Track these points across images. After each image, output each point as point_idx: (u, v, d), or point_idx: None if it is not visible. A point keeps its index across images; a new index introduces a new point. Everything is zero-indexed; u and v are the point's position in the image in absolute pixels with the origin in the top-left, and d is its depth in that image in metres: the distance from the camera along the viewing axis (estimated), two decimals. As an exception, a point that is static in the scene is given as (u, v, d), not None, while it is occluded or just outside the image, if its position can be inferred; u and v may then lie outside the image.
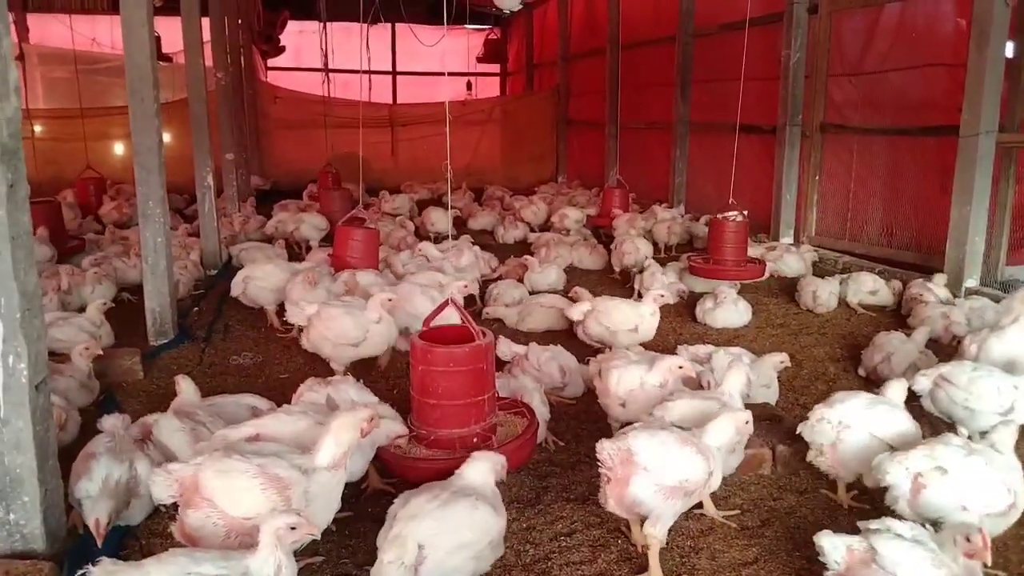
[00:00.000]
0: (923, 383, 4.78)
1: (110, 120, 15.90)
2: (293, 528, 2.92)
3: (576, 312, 6.51)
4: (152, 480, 3.35)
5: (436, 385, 4.02)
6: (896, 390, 4.41)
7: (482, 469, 3.47)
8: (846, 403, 4.19)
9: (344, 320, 5.63)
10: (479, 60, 23.06)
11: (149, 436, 4.15)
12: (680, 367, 4.68)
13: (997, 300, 7.11)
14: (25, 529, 3.39)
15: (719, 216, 8.66)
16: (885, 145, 9.59)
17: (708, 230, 8.87)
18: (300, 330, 6.03)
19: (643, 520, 3.55)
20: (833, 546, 3.10)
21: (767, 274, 8.68)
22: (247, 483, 3.21)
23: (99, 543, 3.50)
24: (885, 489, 3.71)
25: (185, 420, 4.21)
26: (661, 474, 3.48)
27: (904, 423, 4.16)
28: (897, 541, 3.06)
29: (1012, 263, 8.18)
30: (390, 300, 5.83)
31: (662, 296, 6.42)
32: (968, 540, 3.02)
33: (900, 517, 3.42)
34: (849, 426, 4.10)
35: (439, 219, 11.77)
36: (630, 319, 6.28)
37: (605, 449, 3.55)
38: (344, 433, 3.44)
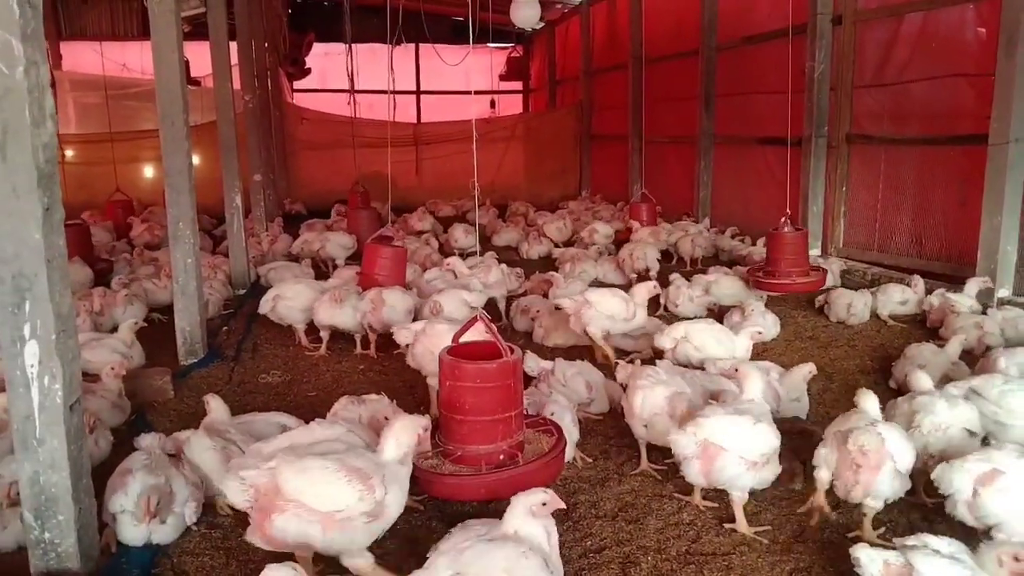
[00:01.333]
0: (955, 394, 4.68)
1: (139, 143, 16.19)
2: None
3: (668, 340, 6.36)
4: (226, 486, 3.41)
5: (463, 401, 4.03)
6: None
7: (519, 513, 3.31)
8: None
9: (449, 337, 5.66)
10: (502, 78, 23.24)
11: (181, 453, 4.20)
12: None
13: (1031, 311, 6.99)
14: (60, 547, 3.43)
15: (778, 228, 8.57)
16: (913, 155, 9.48)
17: (766, 242, 8.82)
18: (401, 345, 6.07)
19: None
20: (870, 559, 3.05)
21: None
22: (330, 477, 3.32)
23: (147, 520, 3.72)
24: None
25: (216, 438, 4.25)
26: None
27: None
28: (935, 557, 2.99)
29: (1046, 273, 8.04)
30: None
31: (760, 334, 6.50)
32: (1016, 560, 2.96)
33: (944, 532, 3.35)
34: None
35: (461, 236, 11.84)
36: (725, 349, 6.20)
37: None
38: (404, 434, 3.59)
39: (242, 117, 12.19)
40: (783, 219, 8.53)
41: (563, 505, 3.33)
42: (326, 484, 3.31)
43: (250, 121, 13.02)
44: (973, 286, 7.59)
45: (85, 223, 10.98)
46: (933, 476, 3.79)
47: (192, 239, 6.74)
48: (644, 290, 6.88)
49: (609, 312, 6.57)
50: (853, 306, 7.82)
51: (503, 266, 8.90)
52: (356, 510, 3.32)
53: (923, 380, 4.70)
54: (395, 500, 3.46)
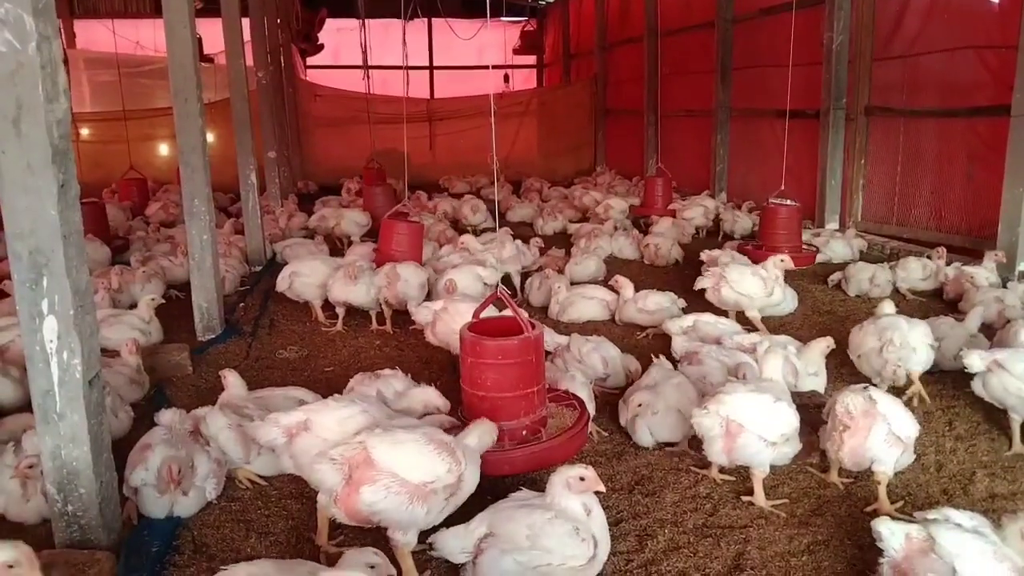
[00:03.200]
0: (977, 363, 4.62)
1: (153, 121, 16.23)
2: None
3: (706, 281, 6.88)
4: (319, 468, 3.43)
5: (485, 377, 4.03)
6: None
7: (557, 486, 3.38)
8: None
9: (470, 315, 5.68)
10: (515, 52, 23.04)
11: (198, 429, 4.24)
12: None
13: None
14: (82, 520, 3.47)
15: (770, 201, 8.56)
16: (932, 127, 9.36)
17: (760, 216, 8.80)
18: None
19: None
20: (891, 532, 3.02)
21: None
22: (422, 448, 3.42)
23: (171, 488, 3.82)
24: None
25: (232, 415, 4.28)
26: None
27: None
28: (957, 531, 2.97)
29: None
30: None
31: (782, 261, 6.79)
32: None
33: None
34: None
35: (469, 213, 11.77)
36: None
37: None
38: (488, 436, 3.76)
39: (255, 94, 12.16)
40: (782, 190, 8.51)
41: (602, 488, 3.33)
42: (419, 455, 3.41)
43: (263, 98, 12.99)
44: (989, 259, 7.52)
45: (101, 201, 11.02)
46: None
47: (207, 216, 6.75)
48: (771, 264, 6.84)
49: (746, 292, 6.67)
50: (876, 278, 7.78)
51: (518, 242, 8.88)
52: (443, 482, 3.40)
53: (887, 306, 5.64)
54: (471, 477, 3.55)
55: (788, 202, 8.55)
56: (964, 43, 8.84)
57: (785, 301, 7.21)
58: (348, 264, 7.08)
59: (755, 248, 8.42)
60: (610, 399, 5.42)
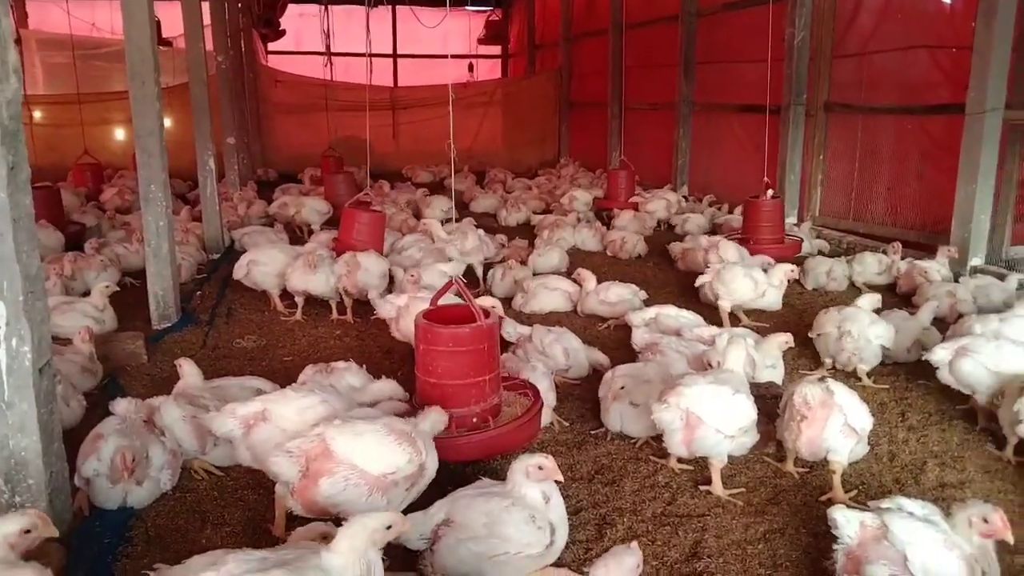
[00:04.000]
0: (943, 355, 4.81)
1: (109, 106, 15.84)
2: (389, 527, 2.78)
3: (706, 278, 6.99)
4: (275, 462, 3.38)
5: (437, 365, 4.02)
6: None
7: (515, 474, 3.38)
8: None
9: None
10: (480, 42, 22.90)
11: (153, 418, 4.16)
12: None
13: (1002, 278, 7.09)
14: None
15: (761, 194, 8.69)
16: (889, 124, 9.53)
17: (743, 209, 8.94)
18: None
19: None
20: (847, 520, 3.09)
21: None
22: (383, 440, 3.40)
23: (125, 476, 3.73)
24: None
25: (187, 406, 4.20)
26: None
27: None
28: (909, 520, 3.05)
29: (1017, 242, 8.14)
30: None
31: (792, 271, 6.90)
32: (985, 521, 3.01)
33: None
34: None
35: (430, 211, 11.45)
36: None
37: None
38: (437, 425, 3.74)
39: (214, 79, 11.95)
40: (765, 183, 8.65)
41: (560, 477, 3.34)
42: (380, 446, 3.38)
43: (223, 83, 12.77)
44: (942, 255, 7.71)
45: (55, 186, 10.74)
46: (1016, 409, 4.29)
47: (164, 202, 6.61)
48: (782, 272, 6.89)
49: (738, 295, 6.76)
50: (833, 272, 7.92)
51: (480, 231, 8.85)
52: (404, 473, 3.38)
53: (867, 300, 5.82)
54: (432, 466, 3.53)
55: (770, 194, 8.67)
56: (918, 42, 9.02)
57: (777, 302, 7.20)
58: (307, 253, 7.00)
59: (741, 240, 8.52)
60: (571, 390, 5.45)
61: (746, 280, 6.72)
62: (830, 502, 3.90)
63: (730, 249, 7.81)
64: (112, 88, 16.15)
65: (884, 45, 9.52)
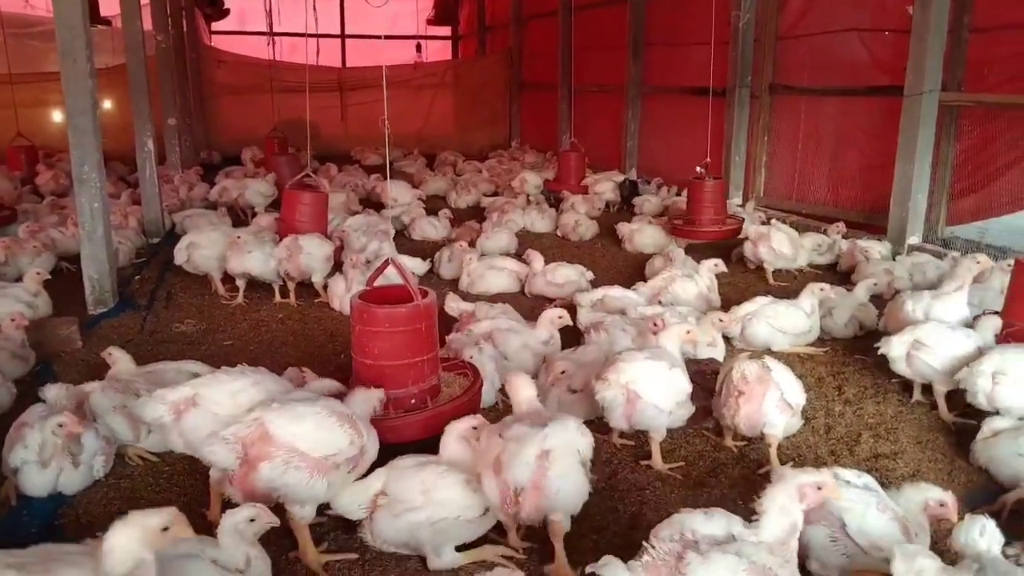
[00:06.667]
0: (897, 348, 4.87)
1: (45, 87, 15.24)
2: (252, 520, 2.93)
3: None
4: (212, 451, 3.29)
5: (373, 345, 3.98)
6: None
7: (449, 440, 3.44)
8: None
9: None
10: (430, 22, 22.64)
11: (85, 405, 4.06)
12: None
13: (939, 256, 7.28)
14: (-47, 501, 3.29)
15: (696, 176, 8.72)
16: (832, 106, 9.68)
17: (687, 192, 8.98)
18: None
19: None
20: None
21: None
22: (324, 422, 3.33)
23: (67, 436, 3.68)
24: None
25: (115, 395, 4.10)
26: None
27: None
28: (846, 487, 3.16)
29: (953, 222, 8.35)
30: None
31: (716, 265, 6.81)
32: (942, 505, 3.12)
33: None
34: None
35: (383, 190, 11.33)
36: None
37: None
38: (367, 404, 3.69)
39: (154, 59, 11.65)
40: (704, 164, 8.70)
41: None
42: (320, 429, 3.31)
43: (163, 63, 12.45)
44: (832, 231, 8.28)
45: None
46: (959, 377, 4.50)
47: (99, 183, 6.43)
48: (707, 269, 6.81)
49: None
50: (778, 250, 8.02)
51: (433, 217, 8.79)
52: (346, 455, 3.33)
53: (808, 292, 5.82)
54: (372, 447, 3.49)
55: (703, 173, 8.73)
56: (860, 25, 9.16)
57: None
58: (244, 235, 6.87)
59: (685, 223, 8.57)
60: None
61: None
62: (768, 475, 3.97)
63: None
64: (47, 68, 15.56)
65: (827, 27, 9.66)
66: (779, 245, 7.66)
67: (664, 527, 2.84)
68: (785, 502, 2.82)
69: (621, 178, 12.09)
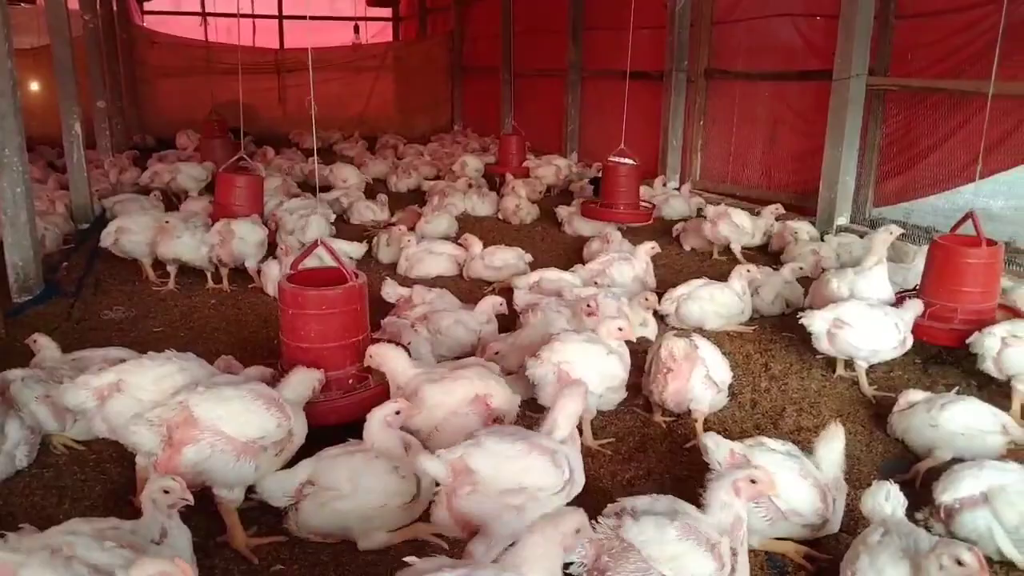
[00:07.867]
0: (819, 325, 4.96)
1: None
2: (167, 492, 2.92)
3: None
4: (135, 432, 3.25)
5: (308, 328, 3.97)
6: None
7: (374, 425, 3.44)
8: None
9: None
10: (369, 4, 22.32)
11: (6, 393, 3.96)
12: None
13: (863, 236, 7.52)
14: None
15: (610, 160, 8.80)
16: (767, 90, 9.87)
17: (601, 174, 9.04)
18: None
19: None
20: (717, 446, 3.29)
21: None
22: (250, 405, 3.32)
23: None
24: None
25: (36, 385, 4.00)
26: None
27: None
28: (771, 454, 3.33)
29: (879, 203, 8.60)
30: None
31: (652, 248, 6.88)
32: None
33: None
34: None
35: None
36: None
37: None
38: (303, 385, 3.68)
39: (82, 39, 11.28)
40: (621, 149, 8.75)
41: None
42: (247, 412, 3.30)
43: (91, 43, 12.05)
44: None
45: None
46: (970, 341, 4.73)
47: (20, 167, 6.21)
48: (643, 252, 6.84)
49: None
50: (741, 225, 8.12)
51: (371, 201, 8.73)
52: (273, 438, 3.32)
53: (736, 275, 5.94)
54: (300, 430, 3.48)
55: (626, 160, 8.81)
56: (791, 10, 9.35)
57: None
58: (169, 219, 6.74)
59: (601, 207, 8.65)
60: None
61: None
62: (694, 449, 4.08)
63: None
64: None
65: (762, 12, 9.83)
66: (740, 220, 7.80)
67: (610, 508, 2.93)
68: (724, 498, 2.89)
69: (563, 161, 12.15)
